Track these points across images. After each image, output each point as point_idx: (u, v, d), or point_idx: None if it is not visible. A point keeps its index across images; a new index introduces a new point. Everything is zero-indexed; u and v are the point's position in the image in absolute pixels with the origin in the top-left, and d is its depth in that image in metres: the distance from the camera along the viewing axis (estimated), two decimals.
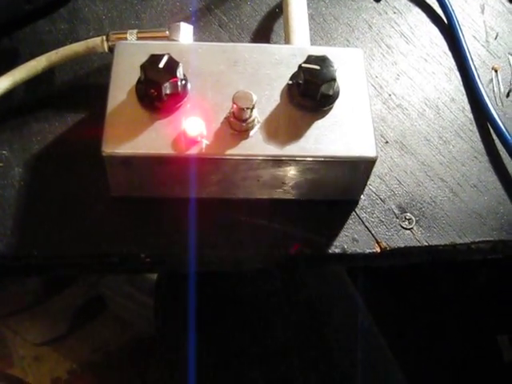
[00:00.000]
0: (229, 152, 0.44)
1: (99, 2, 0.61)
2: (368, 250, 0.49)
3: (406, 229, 0.50)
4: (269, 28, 0.60)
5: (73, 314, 1.25)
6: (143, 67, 0.44)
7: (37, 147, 0.51)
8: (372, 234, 0.49)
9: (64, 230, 0.47)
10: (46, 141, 0.51)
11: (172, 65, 0.44)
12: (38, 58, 0.52)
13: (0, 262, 0.47)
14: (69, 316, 1.25)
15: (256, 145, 0.44)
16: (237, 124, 0.44)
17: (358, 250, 0.49)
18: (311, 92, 0.45)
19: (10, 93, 0.51)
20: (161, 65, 0.43)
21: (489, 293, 1.03)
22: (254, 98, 0.43)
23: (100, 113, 0.45)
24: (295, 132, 0.45)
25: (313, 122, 0.46)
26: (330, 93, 0.46)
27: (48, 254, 0.47)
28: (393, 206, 0.51)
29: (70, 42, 0.56)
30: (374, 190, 0.51)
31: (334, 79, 0.45)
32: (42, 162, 0.50)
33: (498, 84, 0.59)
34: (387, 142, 0.54)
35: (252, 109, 0.43)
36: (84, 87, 0.55)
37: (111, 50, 0.52)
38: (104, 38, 0.53)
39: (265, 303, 0.66)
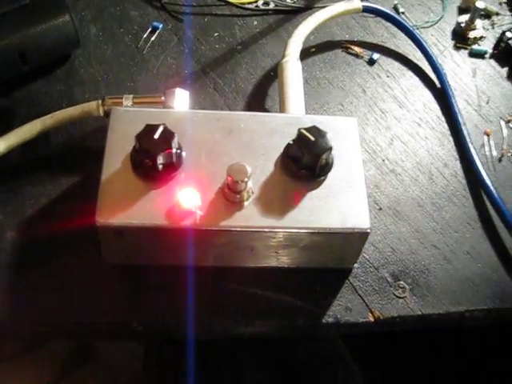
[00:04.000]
0: (223, 224, 0.43)
1: (95, 63, 0.61)
2: (361, 320, 0.49)
3: (400, 297, 0.50)
4: (264, 92, 0.61)
5: (61, 361, 1.23)
6: (138, 137, 0.44)
7: (30, 210, 0.51)
8: (365, 303, 0.49)
9: (55, 296, 0.47)
10: (39, 204, 0.51)
11: (167, 135, 0.44)
12: (34, 122, 0.52)
13: None
14: (57, 364, 1.23)
15: (250, 216, 0.44)
16: (231, 195, 0.44)
17: (352, 320, 0.49)
18: (310, 163, 0.45)
19: (4, 155, 0.51)
20: (156, 135, 0.44)
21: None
22: (249, 170, 0.43)
23: (94, 176, 0.45)
24: (290, 203, 0.45)
25: (307, 193, 0.46)
26: (329, 162, 0.46)
27: (39, 321, 0.47)
28: (386, 275, 0.51)
29: (66, 103, 0.57)
30: (367, 257, 0.51)
31: (331, 148, 0.45)
32: (35, 226, 0.50)
33: (490, 149, 0.60)
34: (381, 209, 0.54)
35: (247, 181, 0.43)
36: (79, 150, 0.55)
37: (107, 114, 0.53)
38: (100, 102, 0.53)
39: (259, 366, 0.66)
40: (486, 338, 0.69)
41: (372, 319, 0.49)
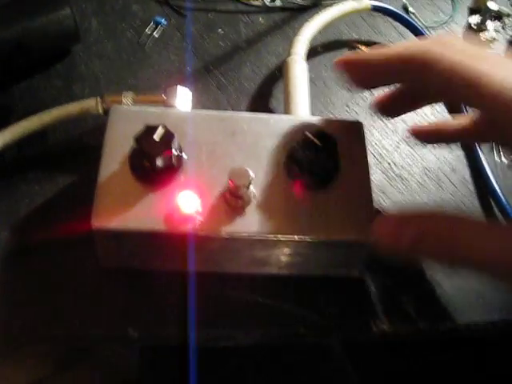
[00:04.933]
0: (223, 230, 0.42)
1: (96, 59, 0.59)
2: (365, 331, 0.47)
3: (405, 308, 0.48)
4: (268, 91, 0.59)
5: (59, 354, 1.22)
6: (137, 139, 0.42)
7: (25, 210, 0.49)
8: (369, 313, 0.48)
9: (48, 300, 0.46)
10: (34, 204, 0.50)
11: (167, 137, 0.42)
12: (30, 118, 0.51)
13: None
14: (55, 357, 1.21)
15: (252, 223, 0.42)
16: (232, 200, 0.42)
17: (354, 331, 0.47)
18: (315, 168, 0.43)
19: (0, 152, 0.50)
20: (156, 137, 0.42)
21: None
22: (251, 174, 0.41)
23: (92, 176, 0.44)
24: (293, 210, 0.43)
25: (311, 199, 0.44)
26: (335, 167, 0.45)
27: (34, 331, 0.45)
28: (391, 285, 0.49)
29: (65, 100, 0.55)
30: (372, 266, 0.50)
31: (337, 153, 0.43)
32: (29, 226, 0.49)
33: (500, 154, 0.58)
34: None
35: (248, 186, 0.42)
36: (77, 148, 0.54)
37: (106, 112, 0.51)
38: (99, 99, 0.51)
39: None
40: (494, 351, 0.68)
41: (375, 330, 0.47)
